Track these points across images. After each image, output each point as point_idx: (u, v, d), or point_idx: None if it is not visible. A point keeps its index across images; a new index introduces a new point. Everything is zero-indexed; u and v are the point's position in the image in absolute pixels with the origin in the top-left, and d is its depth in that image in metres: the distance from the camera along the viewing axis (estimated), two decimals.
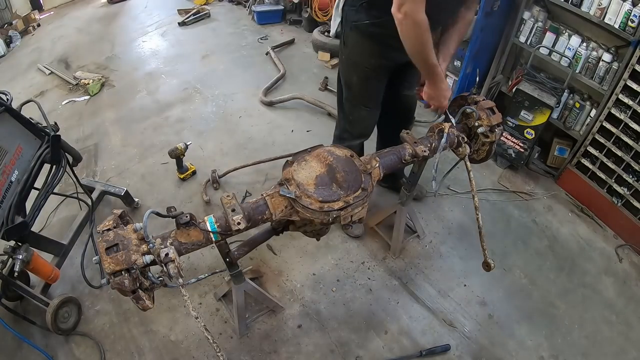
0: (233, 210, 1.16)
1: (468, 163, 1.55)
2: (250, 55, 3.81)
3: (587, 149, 2.24)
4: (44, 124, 1.76)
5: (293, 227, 1.49)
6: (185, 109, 3.10)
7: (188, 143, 2.41)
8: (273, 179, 2.46)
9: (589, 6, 2.03)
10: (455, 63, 2.88)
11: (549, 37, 2.28)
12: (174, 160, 2.40)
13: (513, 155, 2.50)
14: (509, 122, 2.40)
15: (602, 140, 2.15)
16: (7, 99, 1.63)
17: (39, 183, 1.73)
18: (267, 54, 3.76)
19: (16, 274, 1.63)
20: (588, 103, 2.26)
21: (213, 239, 1.15)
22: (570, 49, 2.19)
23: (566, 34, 2.21)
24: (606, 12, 1.96)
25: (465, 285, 1.98)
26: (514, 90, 2.40)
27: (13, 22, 4.37)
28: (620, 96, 1.99)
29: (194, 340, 1.75)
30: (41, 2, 4.91)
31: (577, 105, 2.30)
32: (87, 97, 3.28)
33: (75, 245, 1.99)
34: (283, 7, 4.34)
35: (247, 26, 4.34)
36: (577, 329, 1.85)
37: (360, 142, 2.10)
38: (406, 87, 1.89)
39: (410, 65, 1.64)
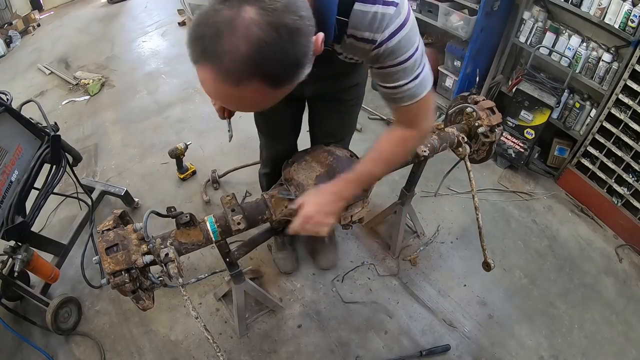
0: (233, 210, 1.16)
1: (468, 163, 1.55)
2: None
3: (587, 149, 2.24)
4: (44, 124, 1.76)
5: None
6: (185, 109, 3.10)
7: (188, 143, 2.41)
8: None
9: (589, 6, 2.03)
10: (455, 63, 2.88)
11: (549, 37, 2.27)
12: (174, 160, 2.40)
13: (513, 155, 2.50)
14: (509, 122, 2.40)
15: (602, 140, 2.15)
16: (7, 99, 1.63)
17: (39, 183, 1.73)
18: None
19: (16, 274, 1.63)
20: (588, 103, 2.26)
21: (213, 239, 1.15)
22: (570, 49, 2.19)
23: (566, 34, 2.21)
24: (606, 12, 1.96)
25: (465, 285, 1.98)
26: (514, 90, 2.39)
27: (13, 22, 4.37)
28: (620, 96, 1.99)
29: (194, 340, 1.75)
30: (41, 2, 4.91)
31: (577, 105, 2.30)
32: (87, 97, 3.28)
33: (75, 245, 1.99)
34: None
35: None
36: (577, 329, 1.85)
37: (264, 172, 1.78)
38: (317, 125, 1.59)
39: (317, 103, 1.40)
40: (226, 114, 1.38)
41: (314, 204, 1.01)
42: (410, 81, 0.87)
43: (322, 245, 2.00)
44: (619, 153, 2.08)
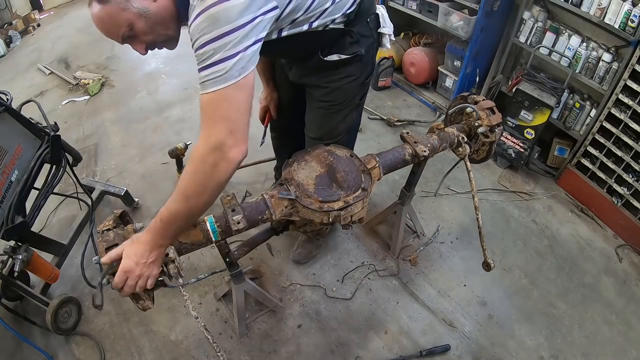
0: (233, 210, 1.16)
1: (468, 163, 1.55)
2: None
3: (587, 149, 2.24)
4: (44, 124, 1.76)
5: (293, 227, 1.49)
6: (185, 109, 3.10)
7: (188, 143, 2.40)
8: (273, 178, 2.46)
9: (589, 6, 2.03)
10: (455, 63, 2.88)
11: (549, 37, 2.28)
12: (174, 160, 2.40)
13: (513, 155, 2.50)
14: (509, 122, 2.40)
15: (602, 140, 2.15)
16: (7, 99, 1.63)
17: (39, 183, 1.73)
18: None
19: (16, 274, 1.63)
20: (588, 103, 2.26)
21: (213, 239, 1.15)
22: (570, 49, 2.19)
23: (566, 34, 2.21)
24: (606, 12, 1.96)
25: (465, 285, 1.98)
26: (514, 90, 2.40)
27: (13, 22, 4.37)
28: (620, 96, 1.99)
29: (194, 340, 1.75)
30: (41, 2, 4.91)
31: (577, 105, 2.30)
32: (87, 97, 3.28)
33: (75, 245, 1.98)
34: None
35: None
36: (577, 329, 1.85)
37: (276, 165, 2.19)
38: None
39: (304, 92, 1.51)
40: (265, 122, 1.78)
41: (132, 257, 0.97)
42: (201, 69, 0.91)
43: (302, 240, 2.03)
44: (619, 153, 2.08)
